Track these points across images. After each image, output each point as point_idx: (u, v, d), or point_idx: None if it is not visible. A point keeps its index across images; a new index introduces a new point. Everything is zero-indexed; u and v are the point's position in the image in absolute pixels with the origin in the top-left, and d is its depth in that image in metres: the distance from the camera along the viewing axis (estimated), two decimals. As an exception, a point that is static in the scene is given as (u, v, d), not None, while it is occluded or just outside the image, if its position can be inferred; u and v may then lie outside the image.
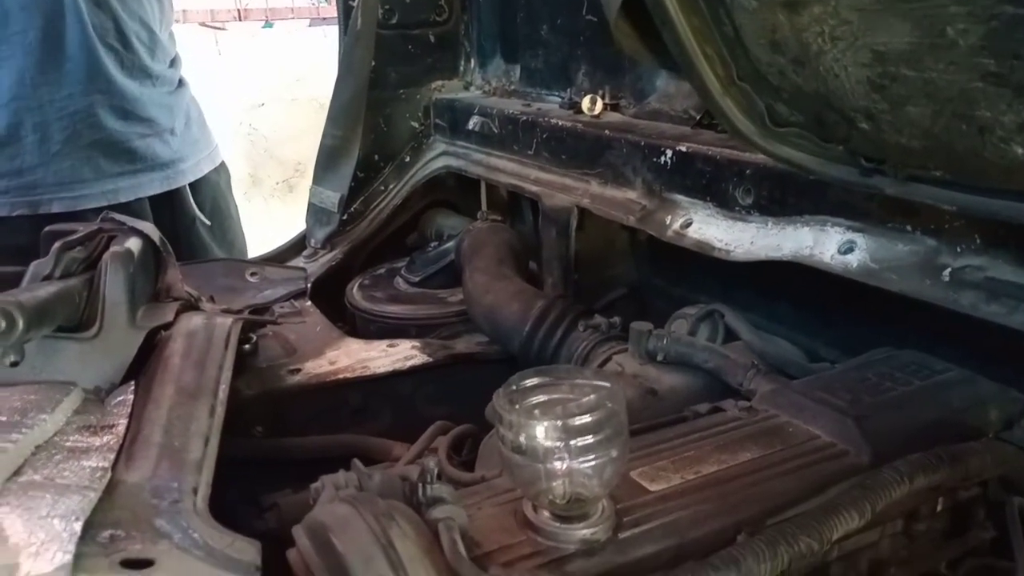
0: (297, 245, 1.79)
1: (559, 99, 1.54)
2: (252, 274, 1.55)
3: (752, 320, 1.15)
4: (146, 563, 0.57)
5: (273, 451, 1.11)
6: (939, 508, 0.80)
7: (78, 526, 0.58)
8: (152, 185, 1.82)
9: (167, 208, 1.86)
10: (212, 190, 1.99)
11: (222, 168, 2.06)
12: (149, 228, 1.10)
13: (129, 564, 0.57)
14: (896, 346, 0.94)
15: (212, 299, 1.32)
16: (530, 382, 0.66)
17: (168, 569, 0.57)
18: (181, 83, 1.92)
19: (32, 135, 1.65)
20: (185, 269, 1.24)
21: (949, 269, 0.79)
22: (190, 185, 1.92)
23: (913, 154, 0.68)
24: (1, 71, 1.63)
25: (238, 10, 7.21)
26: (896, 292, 0.83)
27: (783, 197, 0.97)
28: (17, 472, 0.66)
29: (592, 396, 0.63)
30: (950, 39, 0.56)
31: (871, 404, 0.81)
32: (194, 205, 1.93)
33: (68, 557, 0.54)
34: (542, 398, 0.65)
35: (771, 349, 1.02)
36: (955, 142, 0.63)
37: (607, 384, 0.65)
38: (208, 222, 1.95)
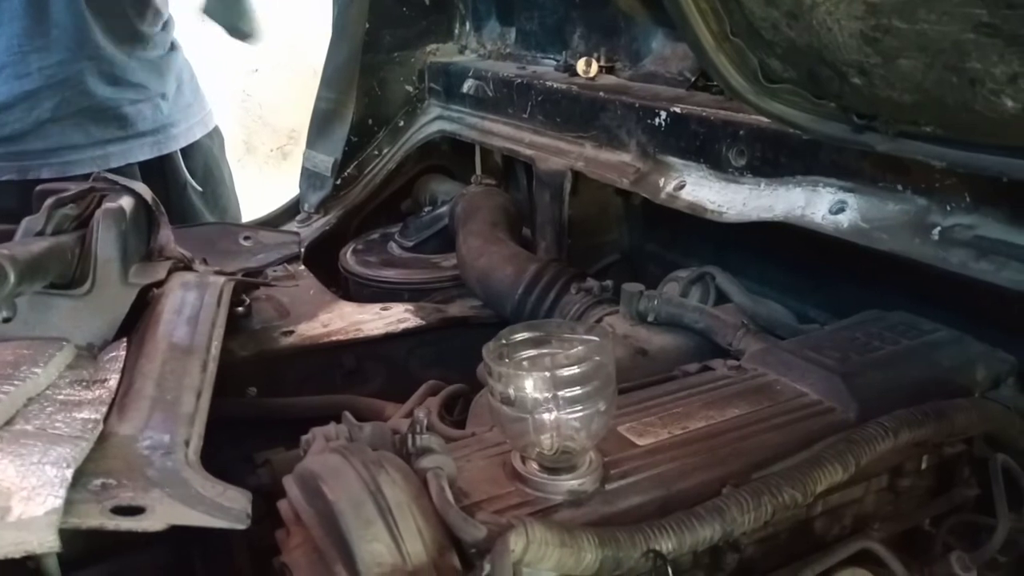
0: (291, 210, 1.78)
1: (554, 62, 1.53)
2: (246, 238, 1.54)
3: (744, 283, 1.16)
4: (137, 510, 0.58)
5: (267, 411, 1.12)
6: (924, 465, 0.81)
7: (69, 473, 0.58)
8: (143, 150, 1.80)
9: (158, 174, 1.84)
10: (205, 155, 1.98)
11: (215, 133, 2.03)
12: (142, 188, 1.09)
13: (120, 511, 0.58)
14: (887, 308, 0.95)
15: (205, 262, 1.32)
16: (519, 336, 0.66)
17: (159, 516, 0.58)
18: (173, 46, 1.90)
19: (22, 103, 1.63)
20: (179, 232, 1.24)
21: (939, 228, 0.79)
22: (182, 150, 1.90)
23: (904, 109, 0.67)
24: None
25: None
26: (886, 252, 0.83)
27: (775, 158, 0.97)
28: (9, 422, 0.66)
29: (580, 348, 0.63)
30: (943, -11, 0.55)
31: (859, 362, 0.81)
32: (185, 171, 1.92)
33: (59, 502, 0.55)
34: (531, 352, 0.66)
35: (762, 310, 1.02)
36: (946, 95, 0.62)
37: (595, 338, 0.65)
38: (199, 188, 1.94)
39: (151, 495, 0.61)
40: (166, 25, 1.88)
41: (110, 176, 1.11)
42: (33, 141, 1.63)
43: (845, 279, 1.14)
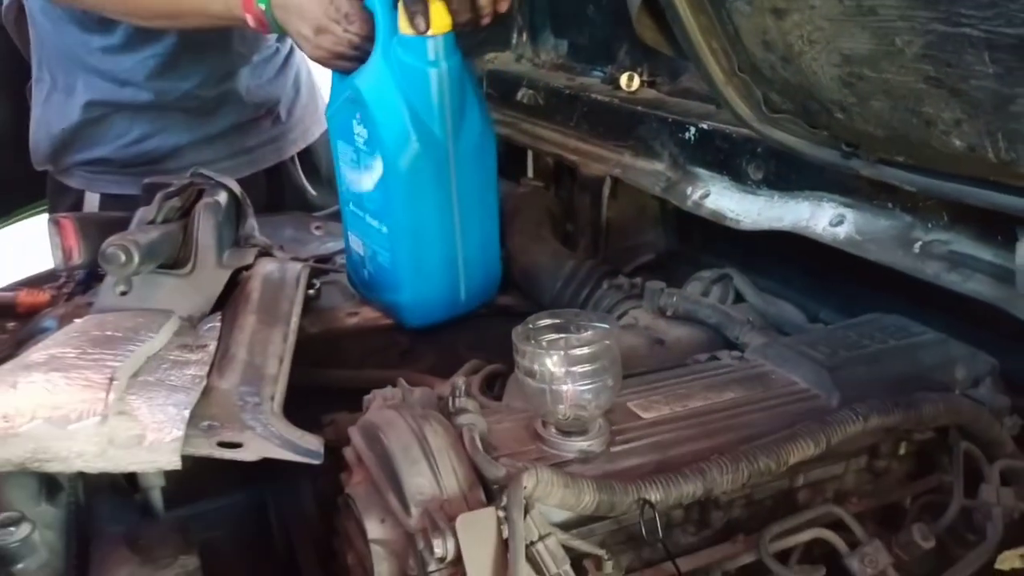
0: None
1: (601, 74, 1.65)
2: (317, 228, 1.71)
3: (768, 285, 1.27)
4: (236, 444, 0.74)
5: (332, 381, 1.28)
6: (903, 451, 0.92)
7: (187, 413, 0.74)
8: (265, 159, 1.88)
9: (277, 176, 1.93)
10: (326, 150, 1.96)
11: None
12: (232, 183, 1.26)
13: (224, 444, 0.74)
14: (896, 312, 1.02)
15: (282, 248, 1.49)
16: (542, 322, 0.80)
17: (253, 450, 0.74)
18: (292, 50, 1.93)
19: (161, 133, 1.74)
20: (259, 220, 1.41)
21: (920, 242, 0.89)
22: (308, 151, 1.98)
23: (879, 141, 0.79)
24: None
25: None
26: (874, 261, 0.94)
27: (787, 174, 1.08)
28: (136, 374, 0.83)
29: (590, 333, 0.77)
30: (898, 47, 0.67)
31: (845, 357, 0.92)
32: (301, 174, 1.99)
33: (180, 433, 0.71)
34: (552, 335, 0.79)
35: (772, 310, 1.13)
36: (910, 133, 0.74)
37: (605, 325, 0.79)
38: (314, 192, 2.01)
39: (246, 435, 0.77)
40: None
41: (206, 172, 1.29)
42: (169, 162, 1.74)
43: (859, 284, 1.23)
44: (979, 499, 0.83)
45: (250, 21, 1.31)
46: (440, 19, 1.21)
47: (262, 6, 1.27)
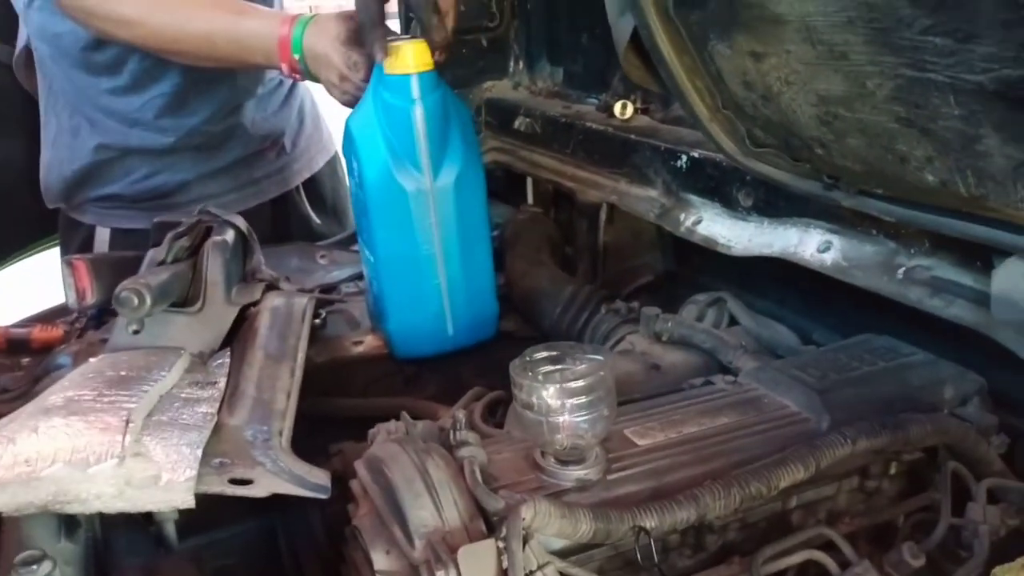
0: (361, 230, 1.97)
1: (596, 102, 1.68)
2: (322, 257, 1.75)
3: (765, 305, 1.29)
4: (247, 481, 0.77)
5: (339, 409, 1.31)
6: (893, 471, 0.94)
7: (199, 452, 0.78)
8: (271, 189, 1.92)
9: (282, 205, 1.96)
10: (331, 179, 2.09)
11: (336, 159, 2.12)
12: (239, 220, 1.30)
13: (235, 482, 0.77)
14: (891, 333, 1.04)
15: (288, 279, 1.52)
16: (539, 355, 0.83)
17: (263, 486, 0.77)
18: (295, 82, 1.91)
19: (168, 170, 1.77)
20: (264, 251, 1.44)
21: (903, 268, 0.92)
22: (312, 180, 2.02)
23: (857, 175, 0.82)
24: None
25: None
26: (860, 286, 0.97)
27: (776, 201, 1.11)
28: (150, 413, 0.86)
29: (585, 366, 0.80)
30: (870, 90, 0.70)
31: (835, 380, 0.94)
32: (307, 203, 2.02)
33: (194, 473, 0.74)
34: (548, 367, 0.82)
35: (766, 333, 1.16)
36: (885, 168, 0.77)
37: (599, 357, 0.82)
38: (318, 220, 2.04)
39: (256, 471, 0.80)
40: None
41: (213, 210, 1.33)
42: (177, 196, 1.78)
43: (852, 304, 1.26)
44: (966, 517, 0.85)
45: (285, 69, 1.42)
46: (421, 58, 1.28)
47: (296, 56, 1.38)
